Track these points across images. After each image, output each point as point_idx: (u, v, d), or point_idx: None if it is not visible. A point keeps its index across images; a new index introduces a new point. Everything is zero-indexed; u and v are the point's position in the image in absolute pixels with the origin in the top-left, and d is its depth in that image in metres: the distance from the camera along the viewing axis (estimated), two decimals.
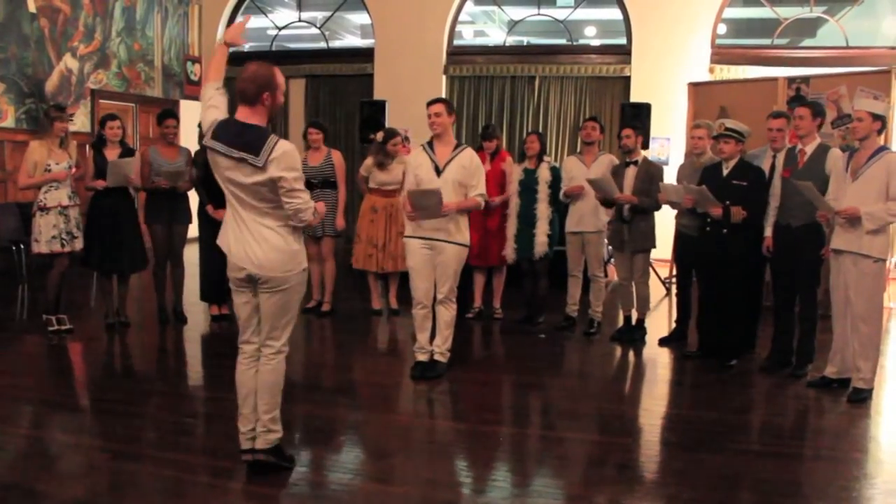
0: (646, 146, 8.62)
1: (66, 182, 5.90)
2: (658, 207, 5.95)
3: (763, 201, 5.20)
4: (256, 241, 3.31)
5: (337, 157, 6.77)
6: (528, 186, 6.43)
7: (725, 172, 5.30)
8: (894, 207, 4.53)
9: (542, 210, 6.41)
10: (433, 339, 5.16)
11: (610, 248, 6.94)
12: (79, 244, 6.00)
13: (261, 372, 3.50)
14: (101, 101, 10.28)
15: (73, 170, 5.93)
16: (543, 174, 6.41)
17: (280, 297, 3.39)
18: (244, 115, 3.30)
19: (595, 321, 6.46)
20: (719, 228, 5.28)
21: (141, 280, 6.44)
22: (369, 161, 6.81)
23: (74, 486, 3.48)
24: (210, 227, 5.94)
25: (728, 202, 5.15)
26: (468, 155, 5.03)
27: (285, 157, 3.23)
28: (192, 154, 6.36)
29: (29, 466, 3.67)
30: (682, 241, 5.98)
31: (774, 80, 8.12)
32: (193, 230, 6.52)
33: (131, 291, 6.75)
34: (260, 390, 3.50)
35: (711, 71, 10.14)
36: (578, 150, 6.50)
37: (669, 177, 6.34)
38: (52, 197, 5.87)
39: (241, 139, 3.23)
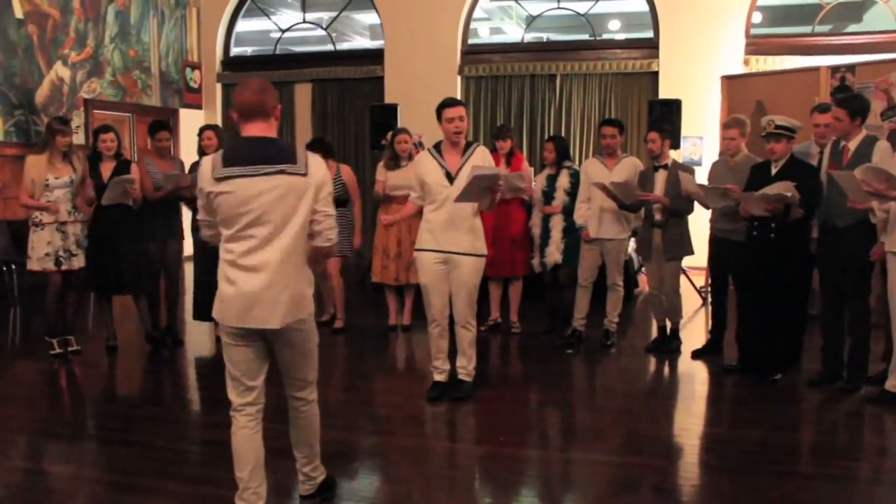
0: (676, 146, 8.60)
1: (67, 197, 5.95)
2: (690, 210, 5.93)
3: (814, 202, 5.08)
4: (276, 286, 3.04)
5: (347, 172, 6.90)
6: (549, 194, 6.51)
7: (774, 171, 5.21)
8: None
9: (556, 219, 6.46)
10: (451, 358, 5.14)
11: (639, 257, 6.91)
12: (77, 262, 6.02)
13: (296, 426, 3.36)
14: (95, 111, 10.40)
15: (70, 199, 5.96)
16: (562, 181, 6.46)
17: (300, 345, 3.22)
18: (260, 130, 3.09)
19: (611, 332, 6.45)
20: (767, 232, 5.21)
21: (127, 299, 6.48)
22: (381, 165, 6.91)
23: None
24: (205, 242, 5.97)
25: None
26: (480, 155, 4.93)
27: (322, 167, 3.13)
28: (191, 166, 6.42)
29: (26, 500, 3.68)
30: (718, 246, 5.92)
31: (816, 69, 8.06)
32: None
33: (128, 312, 6.81)
34: (297, 444, 3.39)
35: (746, 63, 10.08)
36: (597, 151, 6.48)
37: (702, 178, 6.30)
38: (49, 212, 5.91)
39: (269, 152, 3.02)
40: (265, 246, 3.02)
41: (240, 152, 3.07)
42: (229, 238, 3.07)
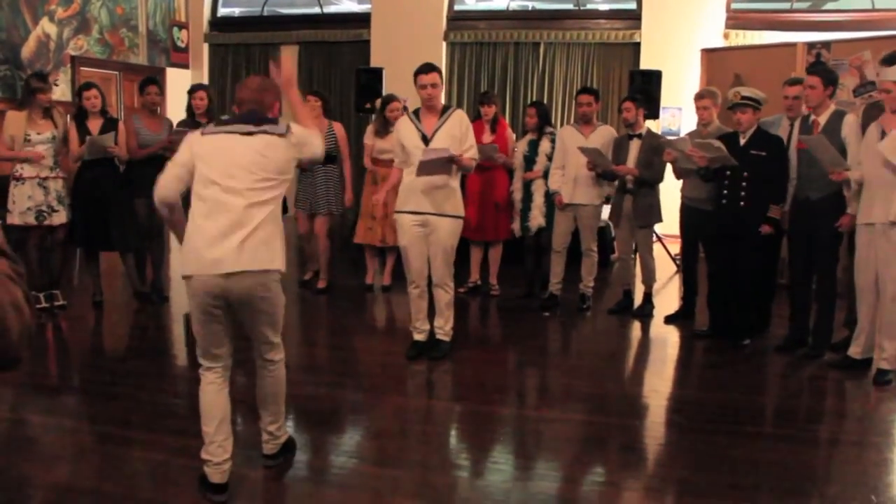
0: (656, 116, 8.61)
1: (49, 153, 5.88)
2: (661, 180, 6.01)
3: (784, 172, 5.18)
4: (245, 234, 3.03)
5: (339, 129, 6.87)
6: (531, 159, 6.51)
7: (743, 142, 5.27)
8: None
9: (538, 183, 6.47)
10: (430, 319, 5.18)
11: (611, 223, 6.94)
12: (59, 218, 5.96)
13: (263, 385, 3.36)
14: (81, 68, 10.22)
15: (41, 155, 5.86)
16: (544, 146, 6.48)
17: (265, 311, 3.19)
18: None
19: (586, 296, 6.49)
20: (737, 201, 5.27)
21: (113, 256, 6.48)
22: (370, 129, 6.89)
23: (60, 469, 3.52)
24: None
25: (746, 173, 5.17)
26: (458, 119, 4.94)
27: (305, 132, 3.26)
28: (178, 123, 6.36)
29: (13, 450, 3.69)
30: (687, 214, 5.98)
31: (793, 45, 8.06)
32: None
33: (114, 268, 6.79)
34: (264, 403, 3.39)
35: (726, 37, 10.06)
36: (575, 119, 6.52)
37: None
38: (31, 168, 5.84)
39: (253, 118, 3.19)
40: (235, 195, 3.04)
41: (230, 119, 3.32)
42: (201, 186, 3.09)
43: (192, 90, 6.50)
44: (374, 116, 7.12)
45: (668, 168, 5.98)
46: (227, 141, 3.13)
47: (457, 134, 4.88)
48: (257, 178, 3.07)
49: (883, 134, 4.64)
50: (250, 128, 3.13)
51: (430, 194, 4.86)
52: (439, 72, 4.98)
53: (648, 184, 6.00)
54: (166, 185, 3.18)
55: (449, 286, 5.07)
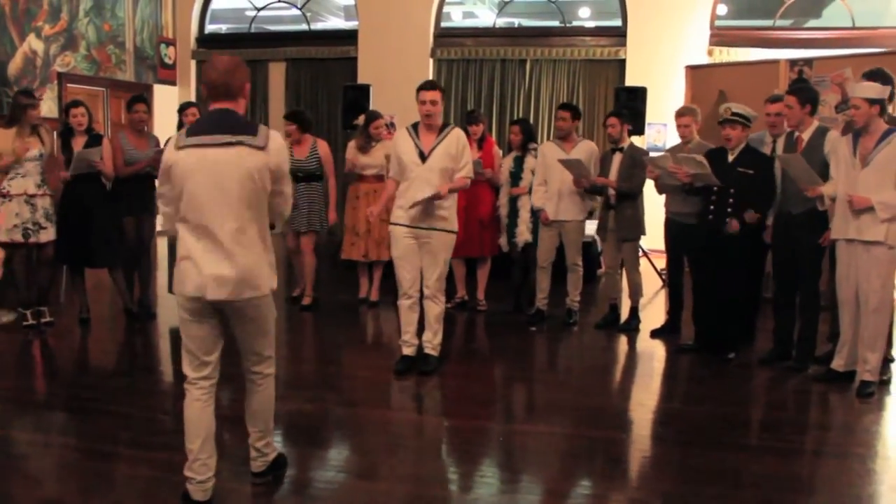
0: (640, 132, 8.71)
1: (36, 170, 5.89)
2: (639, 192, 6.10)
3: (771, 191, 5.23)
4: (234, 258, 3.02)
5: (323, 147, 6.85)
6: (517, 175, 6.59)
7: (731, 159, 5.34)
8: None
9: (524, 199, 6.54)
10: (420, 333, 5.20)
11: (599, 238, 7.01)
12: (46, 235, 5.94)
13: (251, 400, 3.35)
14: (69, 85, 10.23)
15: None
16: (529, 162, 6.56)
17: (256, 321, 3.20)
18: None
19: (573, 311, 6.54)
20: (723, 217, 5.32)
21: (100, 273, 6.48)
22: (352, 144, 6.91)
23: (46, 486, 3.51)
24: None
25: (732, 189, 5.24)
26: (454, 137, 4.99)
27: (282, 145, 3.14)
28: (166, 141, 6.37)
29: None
30: (672, 229, 6.04)
31: (776, 62, 8.18)
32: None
33: (101, 284, 6.78)
34: (252, 418, 3.37)
35: (710, 53, 10.18)
36: (555, 135, 6.61)
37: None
38: (18, 184, 5.83)
39: (228, 123, 3.03)
40: (221, 218, 3.00)
41: (203, 123, 3.12)
42: (186, 210, 3.05)
43: (183, 107, 6.52)
44: (357, 132, 7.13)
45: (651, 183, 6.04)
46: (207, 156, 2.99)
47: (453, 152, 4.95)
48: (241, 195, 3.01)
49: (855, 150, 4.73)
50: (227, 138, 2.99)
51: (425, 209, 4.91)
52: (442, 90, 5.05)
53: (630, 197, 6.08)
54: (169, 223, 3.20)
55: (440, 299, 5.11)
